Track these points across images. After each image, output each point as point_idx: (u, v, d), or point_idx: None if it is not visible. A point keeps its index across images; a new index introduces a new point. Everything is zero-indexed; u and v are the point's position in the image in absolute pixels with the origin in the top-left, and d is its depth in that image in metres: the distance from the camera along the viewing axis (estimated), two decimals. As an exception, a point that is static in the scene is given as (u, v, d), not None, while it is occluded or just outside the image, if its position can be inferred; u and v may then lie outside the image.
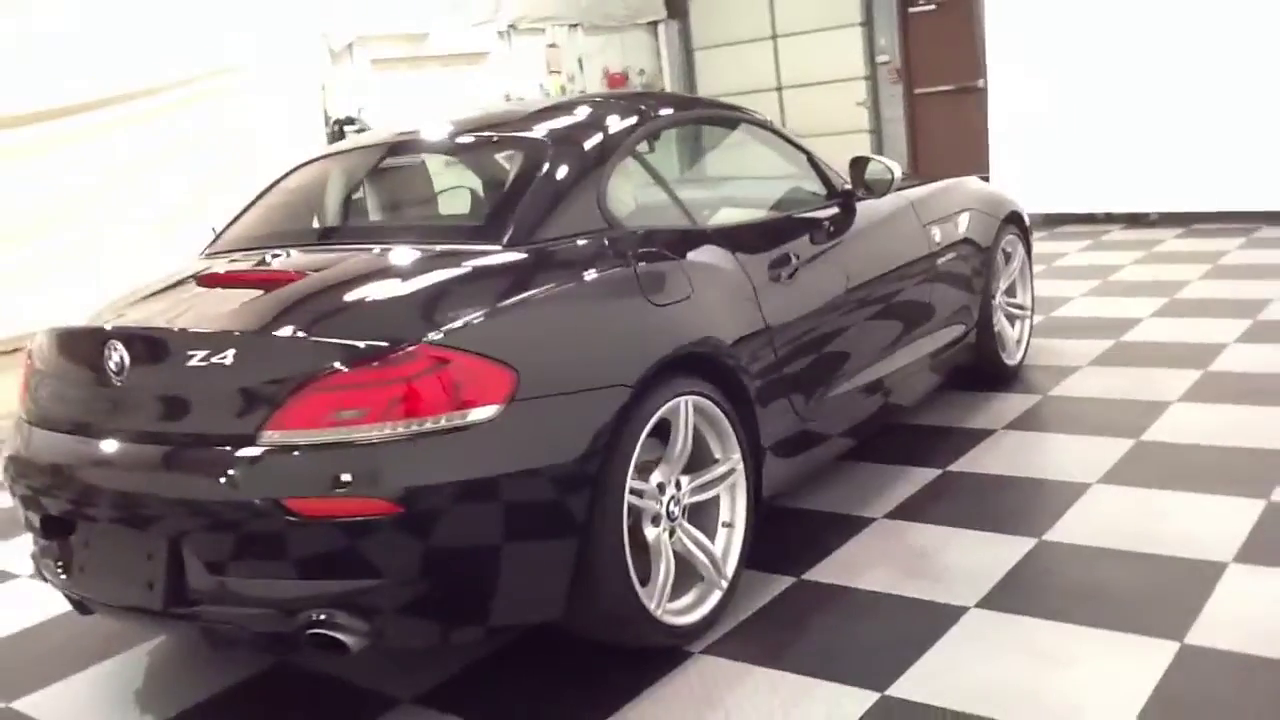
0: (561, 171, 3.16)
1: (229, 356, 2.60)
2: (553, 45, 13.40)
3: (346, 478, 2.47)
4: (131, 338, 2.75)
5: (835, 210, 3.95)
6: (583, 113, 3.63)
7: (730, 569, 3.12)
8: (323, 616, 2.52)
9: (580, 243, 3.04)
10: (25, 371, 3.15)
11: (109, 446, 2.76)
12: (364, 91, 11.47)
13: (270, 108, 10.52)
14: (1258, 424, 4.15)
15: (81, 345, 2.95)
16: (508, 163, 3.46)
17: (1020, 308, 5.19)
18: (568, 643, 2.99)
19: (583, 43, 13.75)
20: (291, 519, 2.47)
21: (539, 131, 3.39)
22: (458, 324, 2.62)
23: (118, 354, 2.72)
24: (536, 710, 2.79)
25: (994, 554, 3.33)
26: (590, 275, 2.95)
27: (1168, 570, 3.12)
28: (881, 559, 3.40)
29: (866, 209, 4.04)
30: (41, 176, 8.66)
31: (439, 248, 3.04)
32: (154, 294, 3.16)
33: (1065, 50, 9.24)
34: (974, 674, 2.71)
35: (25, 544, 4.27)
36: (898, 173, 3.97)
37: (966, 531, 3.53)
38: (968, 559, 3.33)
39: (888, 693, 2.66)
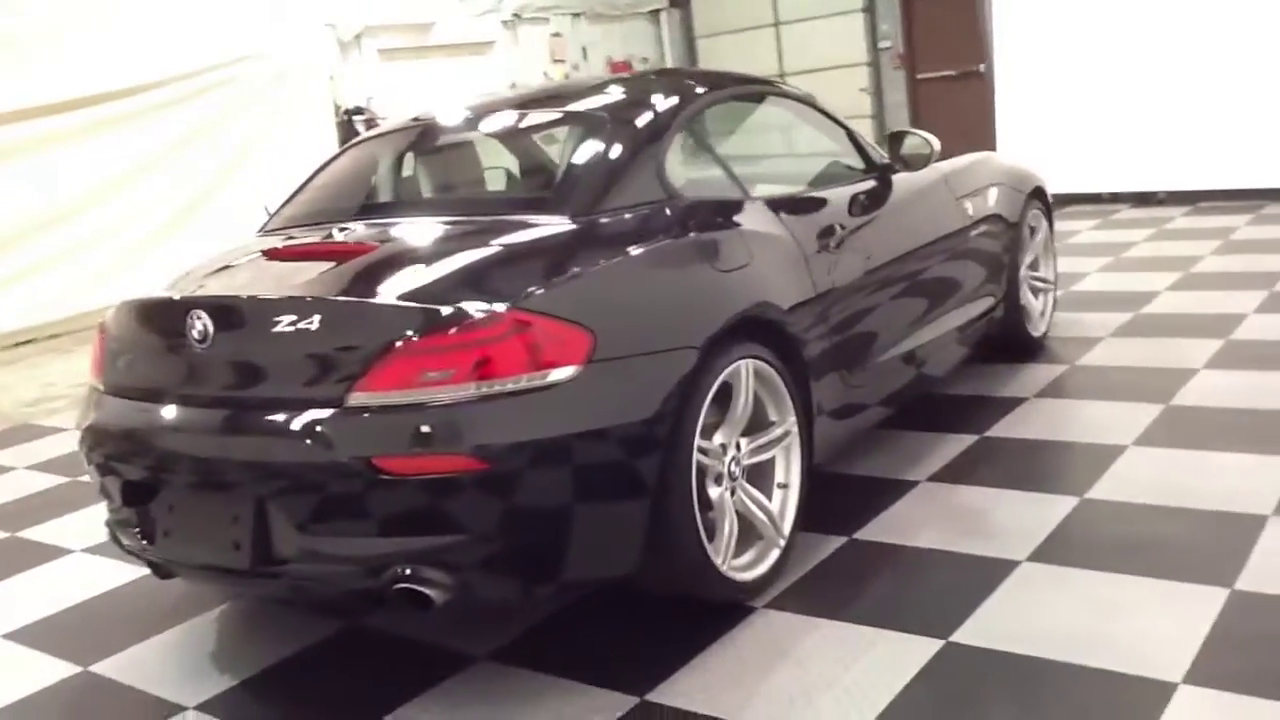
0: (623, 145, 3.26)
1: (315, 323, 2.69)
2: (556, 34, 13.48)
3: (434, 436, 2.55)
4: (216, 307, 2.83)
5: (874, 184, 4.04)
6: (635, 88, 3.71)
7: (787, 528, 3.22)
8: (408, 572, 2.61)
9: (644, 212, 3.13)
10: (98, 344, 3.23)
11: (193, 413, 2.85)
12: (372, 81, 11.54)
13: (282, 98, 10.60)
14: (1283, 388, 4.26)
15: (163, 316, 3.03)
16: (567, 138, 3.56)
17: (1044, 281, 5.29)
18: (632, 600, 3.09)
19: (586, 31, 13.83)
20: (381, 477, 2.56)
21: (596, 107, 3.48)
22: (537, 289, 2.72)
23: (201, 323, 2.80)
24: (612, 662, 2.87)
25: (1039, 512, 3.43)
26: (657, 243, 3.05)
27: (1210, 523, 3.22)
28: (930, 519, 3.51)
29: (903, 183, 4.14)
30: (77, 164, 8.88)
31: (507, 219, 3.13)
32: (227, 267, 3.24)
33: (1071, 32, 9.35)
34: (1033, 621, 2.81)
35: (77, 520, 4.42)
36: (936, 146, 4.06)
37: (1009, 492, 3.64)
38: (1014, 517, 3.43)
39: (951, 639, 2.77)
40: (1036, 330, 5.17)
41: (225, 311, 2.84)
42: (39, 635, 3.46)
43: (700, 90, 3.66)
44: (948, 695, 2.55)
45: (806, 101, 4.12)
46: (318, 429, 2.61)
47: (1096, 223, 8.48)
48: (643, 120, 3.37)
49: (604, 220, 3.05)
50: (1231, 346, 4.87)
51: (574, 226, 3.01)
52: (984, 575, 3.07)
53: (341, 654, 3.13)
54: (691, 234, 3.12)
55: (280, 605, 3.41)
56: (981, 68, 12.30)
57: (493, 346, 2.60)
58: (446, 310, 2.64)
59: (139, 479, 2.99)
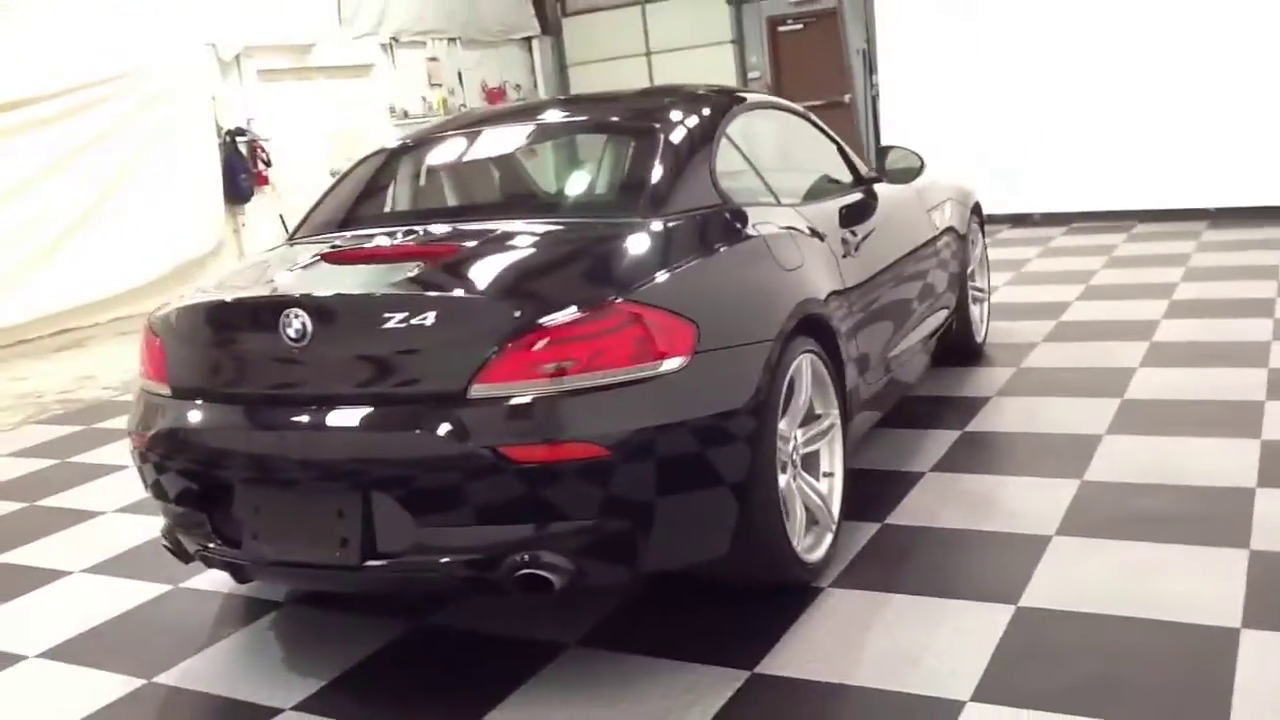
0: (680, 150, 3.42)
1: (430, 318, 2.73)
2: (433, 59, 13.48)
3: (560, 425, 2.65)
4: (316, 306, 2.84)
5: (865, 195, 4.31)
6: (672, 99, 3.86)
7: (836, 513, 3.42)
8: (529, 558, 2.68)
9: (705, 214, 3.29)
10: (154, 347, 3.17)
11: (290, 411, 2.84)
12: (252, 103, 11.30)
13: (165, 117, 10.31)
14: (1221, 382, 4.72)
15: (248, 316, 3.01)
16: (622, 143, 3.69)
17: (980, 290, 5.68)
18: (686, 587, 3.22)
19: (462, 57, 13.88)
20: (509, 466, 2.63)
21: (646, 115, 3.63)
22: (644, 282, 2.84)
23: (299, 321, 2.80)
24: (704, 642, 3.00)
25: (1047, 493, 3.73)
26: (735, 242, 3.21)
27: (1207, 497, 3.58)
28: (948, 504, 3.76)
29: (887, 194, 4.42)
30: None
31: (580, 220, 3.24)
32: (292, 269, 3.22)
33: (949, 60, 9.99)
34: (1086, 583, 3.08)
35: (58, 543, 4.25)
36: (925, 161, 4.36)
37: (1012, 478, 3.94)
38: (1027, 499, 3.72)
39: (1021, 604, 3.01)
40: (978, 336, 5.55)
41: (326, 310, 2.85)
42: (78, 653, 3.34)
43: (728, 102, 3.85)
44: (1039, 651, 2.77)
45: (802, 115, 4.36)
46: (443, 421, 2.66)
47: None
48: (694, 128, 3.54)
49: (676, 221, 3.20)
50: (1156, 348, 5.35)
51: (655, 226, 3.15)
52: (1024, 549, 3.34)
53: (423, 651, 3.14)
54: (758, 235, 3.30)
55: (336, 606, 3.40)
56: (847, 98, 12.96)
57: (610, 337, 2.71)
58: (565, 302, 2.73)
59: (219, 482, 2.96)
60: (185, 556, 3.15)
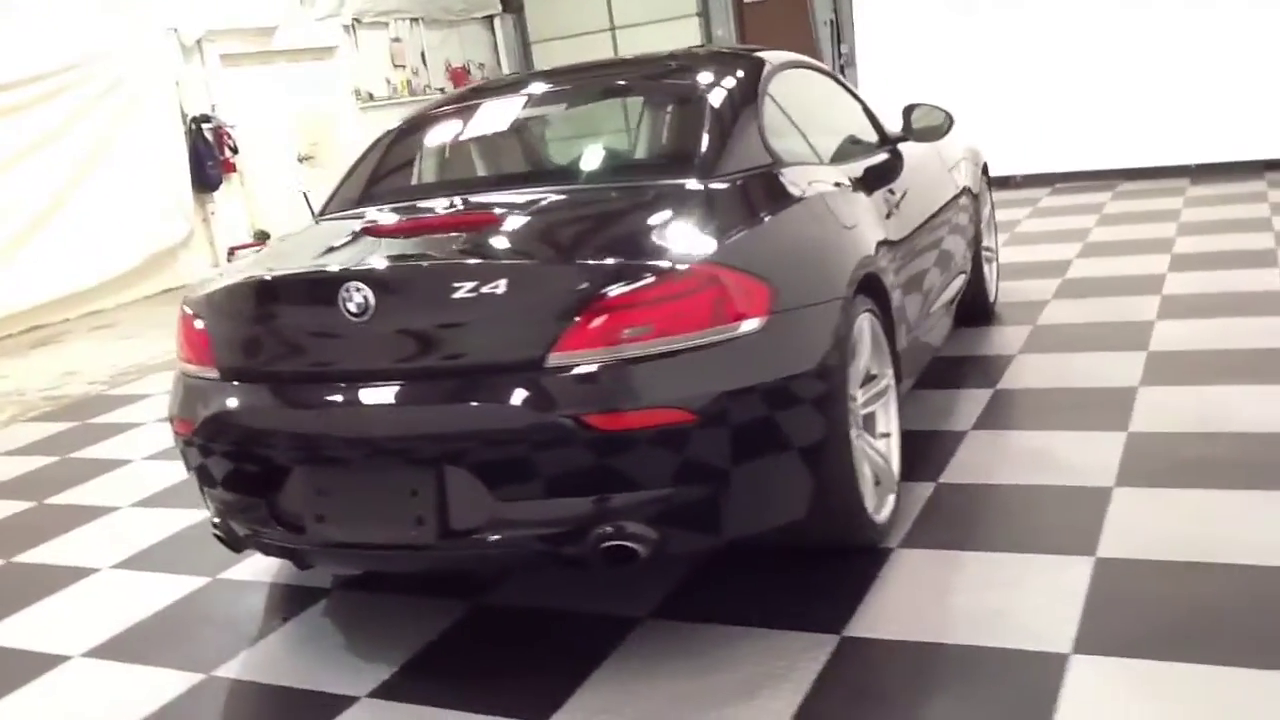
0: (727, 111, 3.34)
1: (502, 286, 2.64)
2: (396, 40, 13.28)
3: (643, 391, 2.57)
4: (378, 278, 2.73)
5: (891, 155, 4.25)
6: (709, 60, 3.79)
7: (897, 473, 3.37)
8: (612, 529, 2.61)
9: (760, 174, 3.22)
10: (189, 331, 3.05)
11: (354, 389, 2.74)
12: (216, 87, 11.07)
13: (129, 103, 10.08)
14: (1243, 330, 4.74)
15: (304, 292, 2.90)
16: (663, 105, 3.60)
17: (990, 250, 5.66)
18: (750, 556, 3.17)
19: (425, 37, 13.69)
20: (590, 434, 2.55)
21: (686, 76, 3.55)
22: (719, 243, 2.77)
23: (360, 295, 2.70)
24: (783, 608, 2.94)
25: (1096, 446, 3.71)
26: (796, 202, 3.15)
27: (1262, 443, 3.57)
28: (999, 461, 3.73)
29: (913, 153, 4.37)
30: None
31: (638, 183, 3.16)
32: (332, 248, 3.10)
33: (928, 23, 9.97)
34: (1160, 532, 3.06)
35: (73, 541, 4.11)
36: (952, 117, 4.31)
37: (1056, 433, 3.91)
38: (1076, 453, 3.70)
39: (1099, 556, 2.98)
40: (990, 296, 5.53)
41: (390, 282, 2.75)
42: (126, 650, 3.22)
43: (762, 61, 3.77)
44: (1129, 601, 2.74)
45: (829, 74, 4.30)
46: (524, 391, 2.57)
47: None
48: (736, 88, 3.46)
49: (738, 182, 3.12)
50: (1169, 301, 5.37)
51: (717, 187, 3.07)
52: (1089, 502, 3.31)
53: (492, 631, 3.06)
54: (817, 194, 3.23)
55: (388, 589, 3.31)
56: (815, 69, 12.92)
57: (688, 300, 2.63)
58: (641, 266, 2.65)
59: (275, 465, 2.85)
60: (238, 545, 3.04)
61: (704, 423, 2.61)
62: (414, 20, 13.46)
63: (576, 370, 2.58)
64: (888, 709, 2.50)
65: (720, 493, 2.70)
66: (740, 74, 3.56)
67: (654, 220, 2.94)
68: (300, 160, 11.77)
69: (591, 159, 3.87)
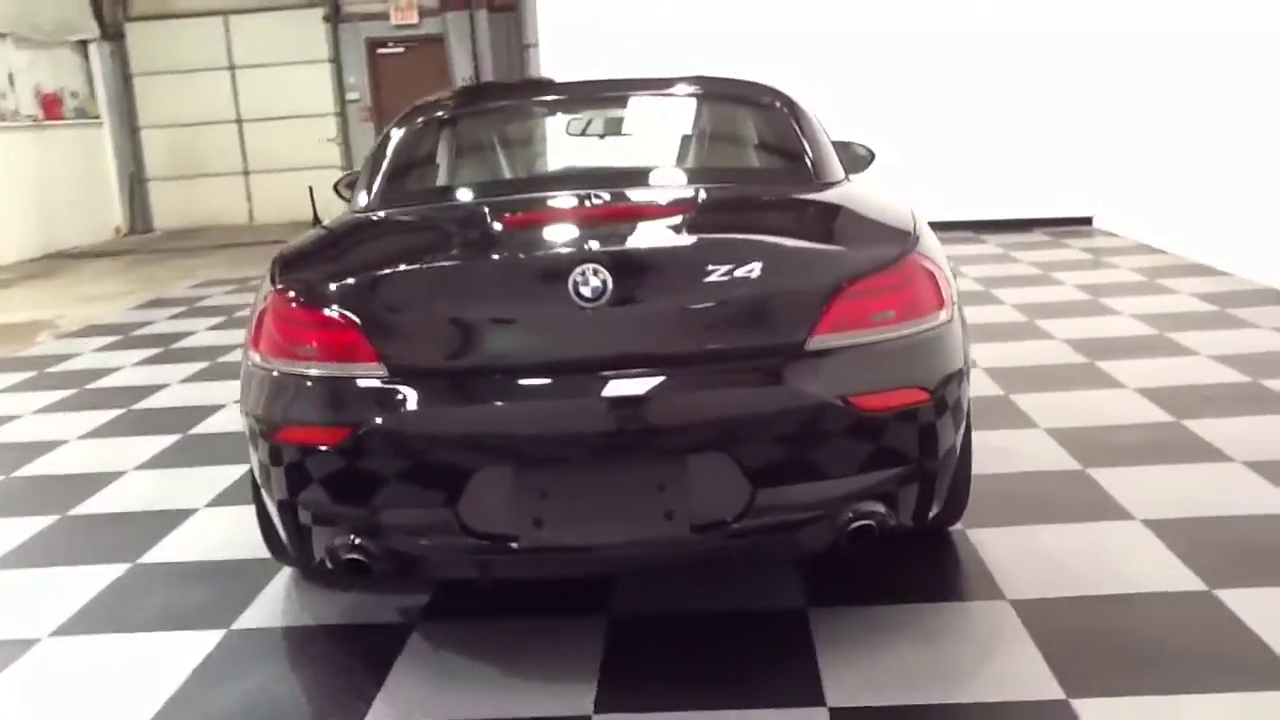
0: (808, 123, 3.52)
1: (756, 269, 2.61)
2: (-16, 56, 11.62)
3: (893, 373, 2.65)
4: (619, 260, 2.58)
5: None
6: (751, 83, 3.86)
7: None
8: (861, 510, 2.65)
9: (854, 182, 3.41)
10: (322, 323, 2.62)
11: (588, 379, 2.53)
12: None
13: None
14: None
15: (526, 276, 2.66)
16: (743, 117, 3.68)
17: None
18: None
19: (13, 57, 12.13)
20: (851, 416, 2.57)
21: (760, 90, 3.67)
22: (915, 237, 2.90)
23: (599, 278, 2.53)
24: (937, 582, 3.09)
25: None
26: (893, 206, 3.32)
27: None
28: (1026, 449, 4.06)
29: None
30: None
31: (768, 185, 3.25)
32: (460, 245, 2.89)
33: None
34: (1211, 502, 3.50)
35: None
36: (874, 151, 4.71)
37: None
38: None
39: (1143, 517, 3.43)
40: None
41: (632, 263, 2.61)
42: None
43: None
44: (1207, 546, 3.16)
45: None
46: (792, 374, 2.55)
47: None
48: (797, 103, 3.63)
49: (859, 188, 3.30)
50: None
51: (855, 192, 3.22)
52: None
53: (665, 640, 2.88)
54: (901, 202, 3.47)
55: (478, 615, 3.03)
56: (454, 124, 13.03)
57: (914, 288, 2.75)
58: (871, 256, 2.75)
59: (464, 471, 2.55)
60: (364, 571, 2.66)
61: (938, 402, 2.71)
62: (1, 36, 11.84)
63: (836, 353, 2.59)
64: None
65: (942, 472, 2.79)
66: (790, 96, 3.73)
67: (853, 216, 3.05)
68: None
69: (695, 162, 3.82)
